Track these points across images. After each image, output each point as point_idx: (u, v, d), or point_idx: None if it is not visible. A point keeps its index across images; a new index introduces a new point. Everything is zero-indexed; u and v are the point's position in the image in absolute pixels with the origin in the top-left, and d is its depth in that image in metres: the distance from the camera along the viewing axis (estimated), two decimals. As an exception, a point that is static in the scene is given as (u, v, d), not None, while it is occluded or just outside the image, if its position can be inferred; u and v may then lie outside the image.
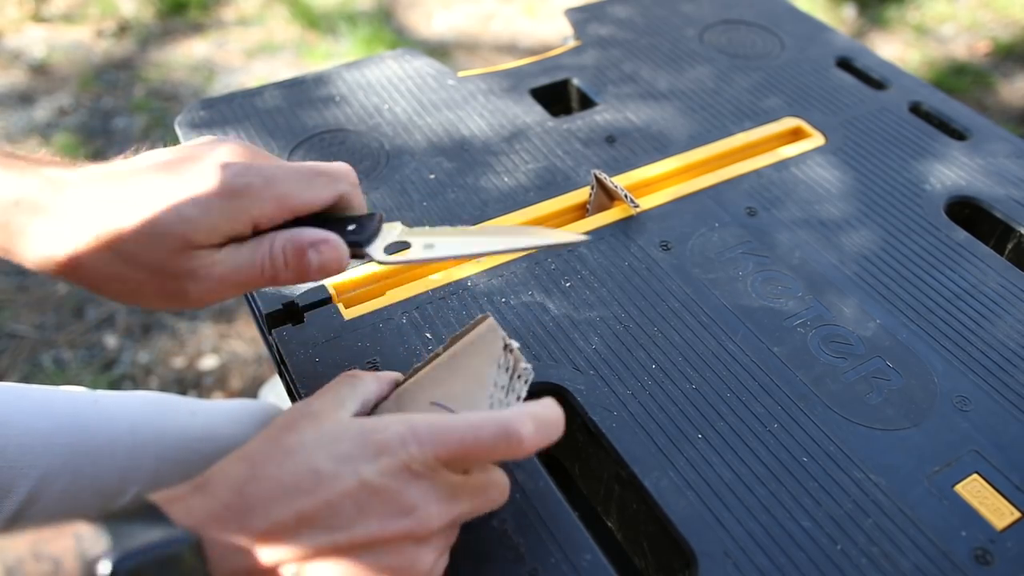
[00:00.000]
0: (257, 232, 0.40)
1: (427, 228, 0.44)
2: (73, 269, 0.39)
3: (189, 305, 0.40)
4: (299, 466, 0.33)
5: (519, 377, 0.40)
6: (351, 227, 0.42)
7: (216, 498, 0.32)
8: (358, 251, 0.42)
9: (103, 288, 0.40)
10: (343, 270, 0.41)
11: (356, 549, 0.33)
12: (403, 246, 0.43)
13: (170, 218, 0.37)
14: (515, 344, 0.40)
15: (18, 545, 0.28)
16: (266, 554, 0.32)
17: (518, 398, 0.39)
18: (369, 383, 0.40)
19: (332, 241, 0.40)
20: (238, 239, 0.39)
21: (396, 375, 0.43)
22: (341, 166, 0.43)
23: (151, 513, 0.31)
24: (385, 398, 0.41)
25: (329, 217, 0.42)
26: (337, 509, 0.33)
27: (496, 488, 0.38)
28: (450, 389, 0.40)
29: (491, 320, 0.41)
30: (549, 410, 0.37)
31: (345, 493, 0.33)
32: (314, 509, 0.32)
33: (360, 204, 0.43)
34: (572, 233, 0.43)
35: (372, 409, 0.40)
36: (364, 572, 0.33)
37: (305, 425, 0.36)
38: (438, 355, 0.42)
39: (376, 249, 0.42)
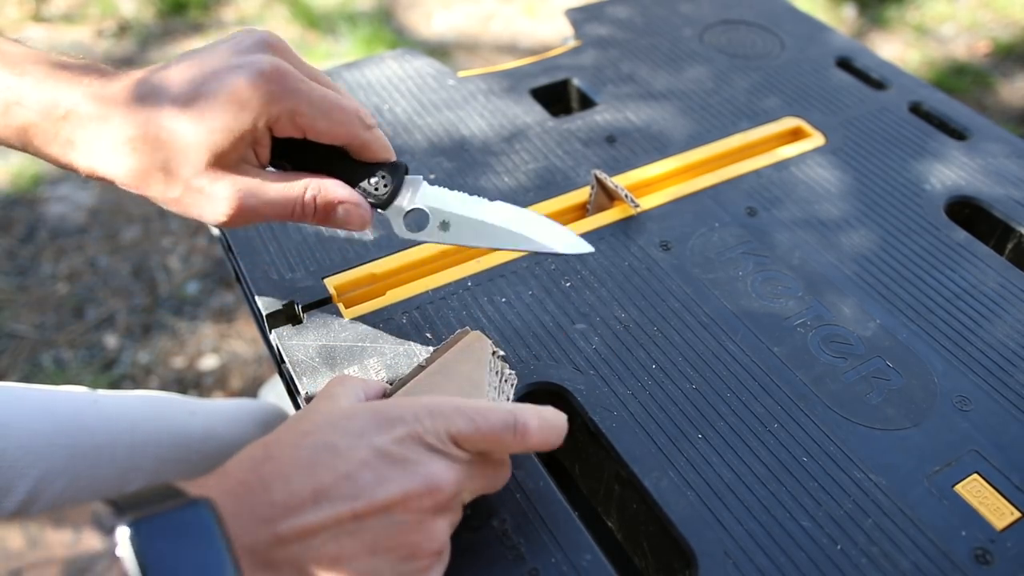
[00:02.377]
0: (279, 143, 0.43)
1: (446, 194, 0.45)
2: (120, 179, 0.42)
3: (223, 222, 0.42)
4: (315, 444, 0.34)
5: (506, 381, 0.42)
6: (375, 180, 0.44)
7: (231, 477, 0.33)
8: (379, 211, 0.45)
9: (149, 194, 0.42)
10: (364, 228, 0.44)
11: (376, 513, 0.33)
12: (420, 217, 0.45)
13: (192, 133, 0.40)
14: (501, 352, 0.43)
15: (38, 518, 0.29)
16: (285, 525, 0.32)
17: (507, 400, 0.42)
18: (358, 386, 0.41)
19: (361, 205, 0.43)
20: (262, 146, 0.42)
21: (384, 384, 0.43)
22: (359, 106, 0.43)
23: (167, 491, 0.32)
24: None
25: (354, 160, 0.44)
26: (355, 478, 0.33)
27: (502, 468, 0.39)
28: (445, 392, 0.41)
29: (477, 332, 0.44)
30: (554, 414, 0.38)
31: (362, 462, 0.34)
32: (332, 480, 0.33)
33: (380, 146, 0.44)
34: (583, 243, 0.44)
35: None
36: (383, 539, 0.34)
37: (316, 411, 0.37)
38: (423, 367, 0.44)
39: (395, 216, 0.44)
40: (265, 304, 0.53)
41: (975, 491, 0.44)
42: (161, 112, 0.40)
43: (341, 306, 0.53)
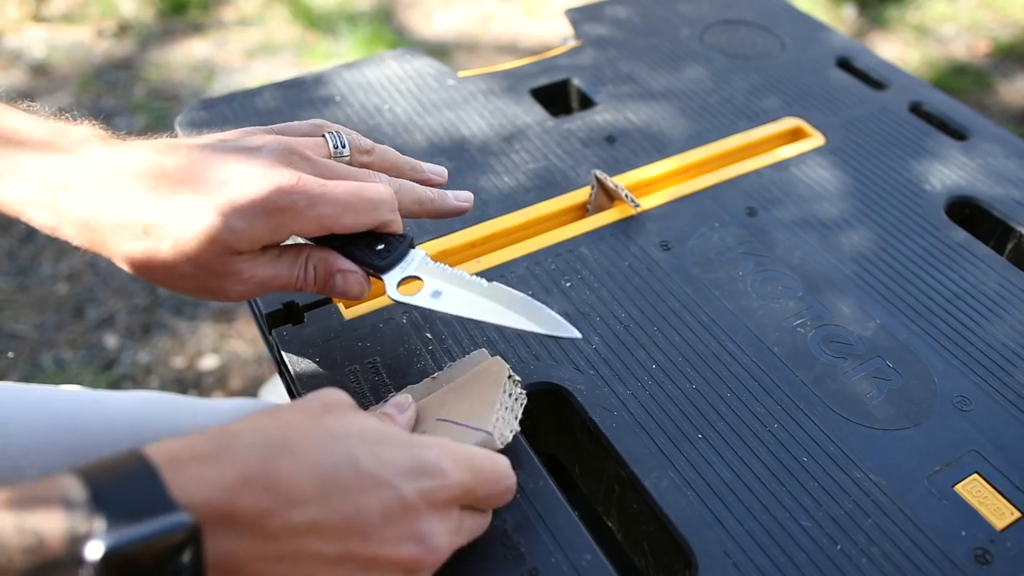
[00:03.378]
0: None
1: (444, 269, 0.45)
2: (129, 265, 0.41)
3: (228, 299, 0.43)
4: (340, 455, 0.32)
5: (516, 400, 0.44)
6: (380, 247, 0.44)
7: (236, 465, 0.30)
8: (377, 275, 0.44)
9: (154, 278, 0.42)
10: (362, 297, 0.45)
11: (361, 563, 0.32)
12: (415, 282, 0.45)
13: (217, 227, 0.38)
14: (516, 376, 0.44)
15: (3, 516, 0.26)
16: (267, 551, 0.30)
17: (516, 418, 0.43)
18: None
19: (358, 274, 0.44)
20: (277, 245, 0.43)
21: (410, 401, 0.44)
22: (384, 191, 0.43)
23: (149, 482, 0.29)
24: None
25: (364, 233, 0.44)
26: (365, 516, 0.32)
27: (484, 521, 0.40)
28: (457, 408, 0.43)
29: (496, 356, 0.46)
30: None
31: (380, 501, 0.32)
32: (342, 510, 0.31)
33: (397, 227, 0.45)
34: (571, 327, 0.43)
35: None
36: (351, 566, 0.32)
37: (349, 413, 0.35)
38: (435, 380, 0.46)
39: (392, 280, 0.44)
40: (265, 304, 0.53)
41: (975, 491, 0.44)
42: (181, 199, 0.39)
43: (341, 306, 0.53)
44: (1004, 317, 0.54)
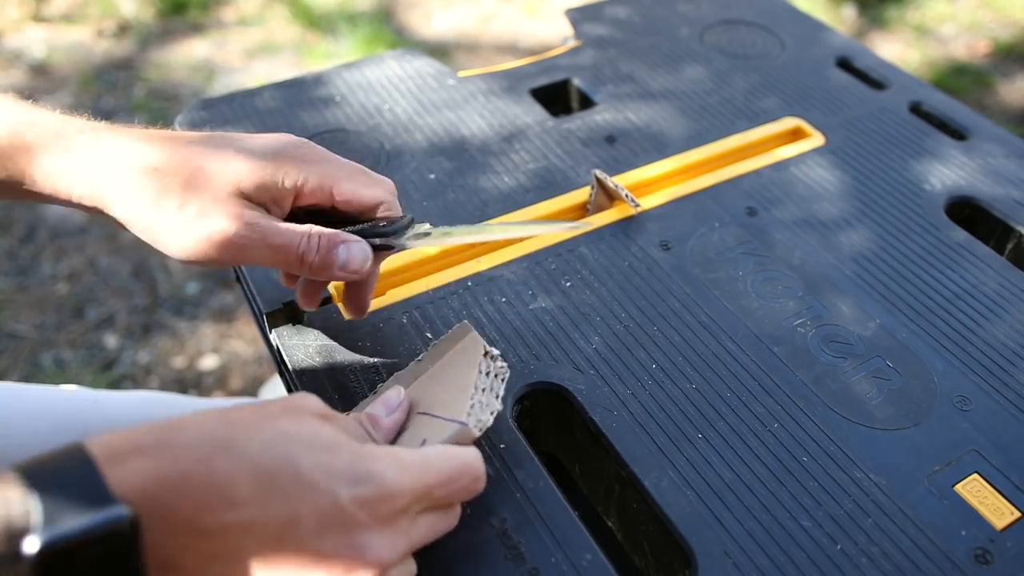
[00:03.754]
0: (298, 212, 0.44)
1: (450, 227, 0.48)
2: (124, 202, 0.42)
3: (222, 242, 0.41)
4: (282, 458, 0.32)
5: (496, 377, 0.43)
6: (383, 224, 0.45)
7: (175, 460, 0.30)
8: (386, 243, 0.45)
9: (153, 219, 0.42)
10: (363, 271, 0.44)
11: (295, 566, 0.32)
12: (425, 237, 0.47)
13: (221, 165, 0.41)
14: (495, 351, 0.43)
15: None
16: (202, 548, 0.30)
17: (497, 396, 0.42)
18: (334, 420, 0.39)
19: (363, 244, 0.44)
20: (281, 208, 0.43)
21: (390, 397, 0.43)
22: (384, 178, 0.46)
23: (87, 475, 0.28)
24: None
25: (366, 219, 0.46)
26: (301, 520, 0.31)
27: (452, 518, 0.38)
28: (435, 398, 0.42)
29: (472, 332, 0.45)
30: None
31: (317, 507, 0.32)
32: (278, 513, 0.31)
33: (398, 209, 0.46)
34: (574, 223, 0.47)
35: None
36: (286, 568, 0.32)
37: (306, 418, 0.35)
38: (420, 362, 0.45)
39: (401, 239, 0.46)
40: (265, 303, 0.53)
41: (975, 491, 0.44)
42: (189, 148, 0.41)
43: (341, 306, 0.53)
44: (1004, 317, 0.54)
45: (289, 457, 0.32)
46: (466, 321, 0.46)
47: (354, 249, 0.43)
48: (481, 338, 0.44)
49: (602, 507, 0.50)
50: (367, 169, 0.46)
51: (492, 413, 0.41)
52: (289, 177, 0.42)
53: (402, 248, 0.46)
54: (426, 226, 0.47)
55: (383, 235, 0.45)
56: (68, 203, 0.43)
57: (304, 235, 0.42)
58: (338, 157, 0.45)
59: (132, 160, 0.41)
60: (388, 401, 0.42)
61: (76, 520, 0.27)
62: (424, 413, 0.42)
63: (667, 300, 0.54)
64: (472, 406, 0.40)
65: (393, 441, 0.41)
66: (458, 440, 0.40)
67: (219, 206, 0.41)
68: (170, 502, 0.29)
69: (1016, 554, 0.41)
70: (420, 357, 0.46)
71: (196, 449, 0.31)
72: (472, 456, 0.38)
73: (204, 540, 0.30)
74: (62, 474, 0.29)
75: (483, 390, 0.42)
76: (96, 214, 0.43)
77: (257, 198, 0.42)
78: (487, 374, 0.42)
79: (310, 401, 0.37)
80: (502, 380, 0.43)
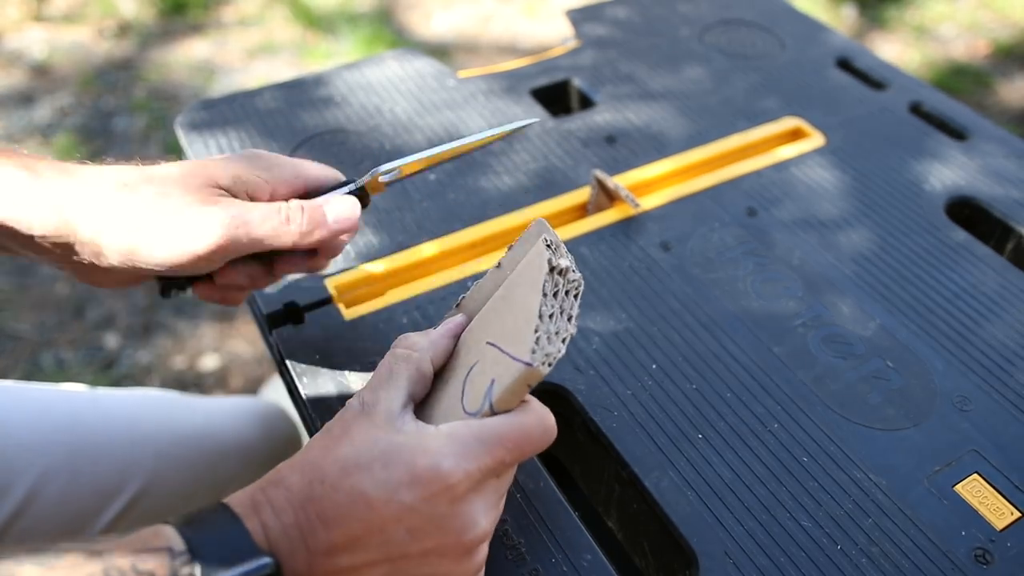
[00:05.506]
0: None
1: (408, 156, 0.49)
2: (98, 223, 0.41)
3: (216, 253, 0.41)
4: (351, 490, 0.34)
5: (568, 293, 0.37)
6: (346, 181, 0.47)
7: (282, 516, 0.34)
8: (358, 186, 0.46)
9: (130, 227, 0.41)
10: (355, 219, 0.44)
11: (412, 559, 0.34)
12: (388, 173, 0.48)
13: (193, 167, 0.42)
14: (563, 262, 0.37)
15: (122, 559, 0.30)
16: (325, 563, 0.33)
17: (570, 318, 0.36)
18: (424, 360, 0.39)
19: (341, 195, 0.45)
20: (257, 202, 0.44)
21: (454, 324, 0.41)
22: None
23: (235, 529, 0.33)
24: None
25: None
26: (387, 532, 0.34)
27: (512, 471, 0.38)
28: (504, 324, 0.37)
29: (541, 240, 0.38)
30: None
31: (395, 518, 0.34)
32: (364, 532, 0.33)
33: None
34: (529, 118, 0.48)
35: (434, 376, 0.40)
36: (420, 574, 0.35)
37: (359, 434, 0.36)
38: (499, 269, 0.41)
39: (375, 172, 0.47)
40: (266, 304, 0.53)
41: (975, 491, 0.44)
42: (157, 166, 0.42)
43: (341, 306, 0.53)
44: (1004, 317, 0.54)
45: (357, 490, 0.34)
46: (541, 219, 0.40)
47: (336, 201, 0.44)
48: (547, 250, 0.37)
49: (602, 507, 0.50)
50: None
51: (564, 340, 0.36)
52: (262, 168, 0.44)
53: (375, 183, 0.46)
54: (389, 164, 0.47)
55: (352, 183, 0.46)
56: (27, 243, 0.40)
57: (282, 205, 0.43)
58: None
59: (101, 180, 0.40)
60: (450, 329, 0.41)
61: (230, 571, 0.31)
62: (492, 344, 0.37)
63: (667, 300, 0.54)
64: (537, 339, 0.35)
65: (464, 376, 0.39)
66: (527, 381, 0.35)
67: (199, 205, 0.40)
68: (300, 548, 0.33)
69: (1016, 554, 0.41)
70: (499, 263, 0.41)
71: (293, 499, 0.34)
72: (534, 421, 0.36)
73: None
74: (213, 530, 0.33)
75: (550, 316, 0.36)
76: (52, 257, 0.41)
77: (233, 190, 0.42)
78: (555, 294, 0.36)
79: (355, 409, 0.37)
80: (575, 296, 0.37)
